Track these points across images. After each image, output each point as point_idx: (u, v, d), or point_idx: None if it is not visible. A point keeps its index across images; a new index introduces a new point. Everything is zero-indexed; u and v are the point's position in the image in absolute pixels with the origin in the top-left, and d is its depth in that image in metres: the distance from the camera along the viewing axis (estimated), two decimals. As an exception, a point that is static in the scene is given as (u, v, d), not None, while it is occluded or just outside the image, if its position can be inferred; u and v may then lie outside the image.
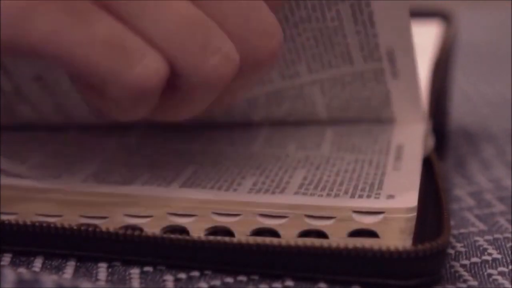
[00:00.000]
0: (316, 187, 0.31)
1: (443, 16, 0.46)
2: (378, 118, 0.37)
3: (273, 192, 0.31)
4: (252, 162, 0.34)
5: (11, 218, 0.31)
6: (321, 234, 0.29)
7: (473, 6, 0.76)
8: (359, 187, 0.31)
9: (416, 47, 0.35)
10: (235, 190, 0.31)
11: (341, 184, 0.31)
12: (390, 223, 0.29)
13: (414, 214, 0.29)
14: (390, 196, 0.30)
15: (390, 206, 0.29)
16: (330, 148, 0.35)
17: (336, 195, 0.30)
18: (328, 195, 0.30)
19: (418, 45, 0.36)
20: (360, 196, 0.30)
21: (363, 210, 0.29)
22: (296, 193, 0.31)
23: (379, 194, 0.30)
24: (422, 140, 0.35)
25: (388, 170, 0.32)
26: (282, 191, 0.31)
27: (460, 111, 0.48)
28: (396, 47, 0.34)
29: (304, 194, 0.30)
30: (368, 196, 0.30)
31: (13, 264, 0.30)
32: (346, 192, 0.30)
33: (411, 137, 0.35)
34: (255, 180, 0.32)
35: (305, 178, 0.32)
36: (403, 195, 0.30)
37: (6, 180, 0.32)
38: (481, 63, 0.59)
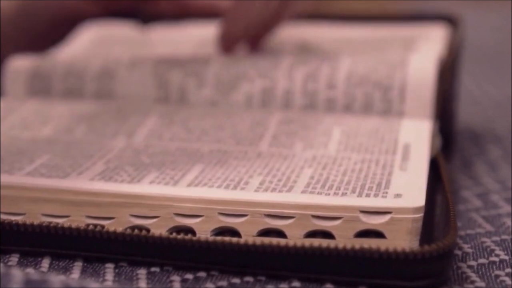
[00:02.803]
0: (323, 186, 0.31)
1: (449, 19, 0.46)
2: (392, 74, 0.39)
3: (280, 191, 0.31)
4: (259, 161, 0.34)
5: (19, 218, 0.31)
6: (327, 235, 0.29)
7: (477, 7, 0.76)
8: (366, 186, 0.31)
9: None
10: (242, 189, 0.31)
11: (348, 183, 0.31)
12: (397, 224, 0.29)
13: (421, 214, 0.29)
14: (398, 195, 0.30)
15: (397, 205, 0.29)
16: (337, 148, 0.35)
17: (344, 194, 0.30)
18: (336, 194, 0.30)
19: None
20: (368, 195, 0.30)
21: (371, 210, 0.29)
22: (303, 191, 0.31)
23: (386, 193, 0.30)
24: (429, 139, 0.35)
25: (395, 170, 0.32)
26: (289, 190, 0.31)
27: (466, 112, 0.48)
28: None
29: (311, 193, 0.30)
30: (376, 195, 0.30)
31: (21, 264, 0.30)
32: (353, 191, 0.30)
33: (418, 136, 0.35)
34: (262, 179, 0.32)
35: (312, 178, 0.32)
36: (410, 195, 0.30)
37: (13, 181, 0.32)
38: (486, 64, 0.59)
